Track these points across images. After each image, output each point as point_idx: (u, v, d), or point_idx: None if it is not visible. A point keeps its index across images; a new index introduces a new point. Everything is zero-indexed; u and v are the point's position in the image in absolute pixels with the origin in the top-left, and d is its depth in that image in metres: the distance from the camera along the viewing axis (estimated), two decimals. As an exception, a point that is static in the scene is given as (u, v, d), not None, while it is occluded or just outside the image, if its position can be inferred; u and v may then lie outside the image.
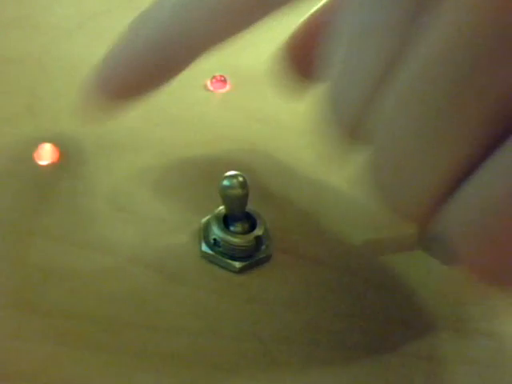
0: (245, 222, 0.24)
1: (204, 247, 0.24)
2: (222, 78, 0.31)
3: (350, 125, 0.18)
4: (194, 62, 0.23)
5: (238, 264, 0.23)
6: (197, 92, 0.30)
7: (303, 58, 0.24)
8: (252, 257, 0.24)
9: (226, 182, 0.23)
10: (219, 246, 0.24)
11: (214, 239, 0.24)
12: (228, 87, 0.31)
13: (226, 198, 0.23)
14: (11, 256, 0.23)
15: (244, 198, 0.23)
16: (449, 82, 0.15)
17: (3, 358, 0.20)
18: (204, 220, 0.24)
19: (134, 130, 0.28)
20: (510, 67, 0.14)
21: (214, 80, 0.30)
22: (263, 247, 0.24)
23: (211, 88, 0.31)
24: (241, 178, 0.23)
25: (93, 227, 0.24)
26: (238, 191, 0.23)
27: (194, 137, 0.28)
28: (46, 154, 0.26)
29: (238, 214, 0.24)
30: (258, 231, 0.24)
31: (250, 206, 0.24)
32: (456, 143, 0.15)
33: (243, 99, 0.30)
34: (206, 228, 0.24)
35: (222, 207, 0.24)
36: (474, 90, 0.14)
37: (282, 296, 0.23)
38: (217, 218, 0.24)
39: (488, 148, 0.15)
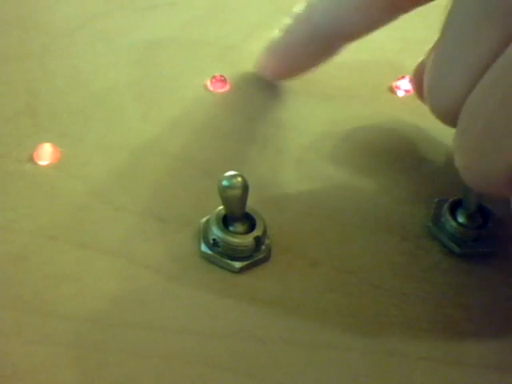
0: (245, 222, 0.24)
1: (204, 247, 0.24)
2: (222, 78, 0.31)
3: (449, 111, 0.21)
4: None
5: (237, 264, 0.23)
6: (197, 92, 0.30)
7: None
8: (252, 257, 0.24)
9: (225, 182, 0.23)
10: (219, 247, 0.24)
11: (214, 239, 0.24)
12: (228, 87, 0.31)
13: (226, 198, 0.23)
14: (11, 256, 0.23)
15: (244, 198, 0.23)
16: None
17: (3, 358, 0.20)
18: (204, 220, 0.24)
19: (134, 130, 0.28)
20: None
21: (213, 80, 0.30)
22: (263, 247, 0.24)
23: (211, 88, 0.30)
24: (241, 178, 0.23)
25: (93, 227, 0.24)
26: (238, 191, 0.23)
27: (194, 137, 0.28)
28: (45, 154, 0.26)
29: (237, 214, 0.24)
30: (258, 231, 0.24)
31: (250, 206, 0.24)
32: None
33: (243, 99, 0.30)
34: (206, 228, 0.24)
35: (221, 207, 0.24)
36: None
37: (282, 296, 0.23)
38: (216, 218, 0.24)
39: None
